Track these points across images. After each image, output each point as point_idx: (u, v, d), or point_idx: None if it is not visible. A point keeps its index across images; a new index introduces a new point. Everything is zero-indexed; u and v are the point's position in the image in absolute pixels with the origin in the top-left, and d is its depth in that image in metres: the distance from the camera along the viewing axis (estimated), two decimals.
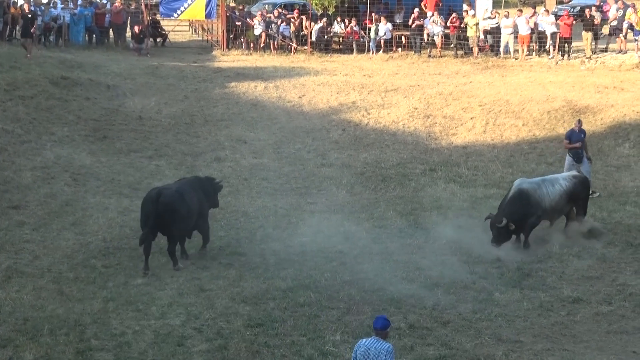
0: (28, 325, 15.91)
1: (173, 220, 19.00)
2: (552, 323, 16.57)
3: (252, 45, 40.37)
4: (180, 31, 45.20)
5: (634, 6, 40.07)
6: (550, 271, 19.36)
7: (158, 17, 42.26)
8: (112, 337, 15.58)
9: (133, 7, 42.33)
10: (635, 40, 38.31)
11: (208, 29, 44.03)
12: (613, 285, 18.64)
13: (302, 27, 40.99)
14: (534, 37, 39.46)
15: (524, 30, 38.81)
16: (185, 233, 19.88)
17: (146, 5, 42.88)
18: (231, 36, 40.78)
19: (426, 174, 27.87)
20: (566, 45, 38.87)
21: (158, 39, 41.56)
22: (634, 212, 23.80)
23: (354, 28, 40.89)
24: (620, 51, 38.90)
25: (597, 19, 39.40)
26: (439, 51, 40.08)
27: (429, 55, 39.87)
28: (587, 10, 39.56)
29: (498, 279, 18.79)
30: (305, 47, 40.32)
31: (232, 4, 43.35)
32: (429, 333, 16.01)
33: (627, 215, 23.45)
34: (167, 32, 42.59)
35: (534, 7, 42.55)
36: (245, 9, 44.42)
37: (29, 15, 35.15)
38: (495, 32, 39.94)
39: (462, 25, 40.14)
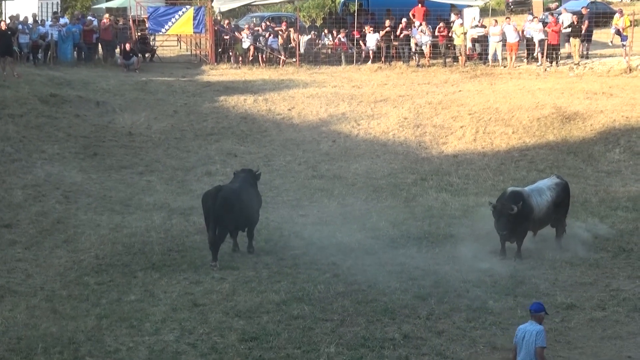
0: (22, 344, 15.86)
1: (231, 215, 20.26)
2: (547, 330, 16.45)
3: (240, 58, 40.36)
4: (168, 46, 45.25)
5: (621, 11, 40.24)
6: (544, 278, 19.38)
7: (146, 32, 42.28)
8: (107, 354, 15.53)
9: (121, 23, 42.35)
10: (623, 45, 38.43)
11: (196, 43, 44.04)
12: (606, 290, 18.67)
13: (290, 40, 41.01)
14: (520, 44, 39.56)
15: (512, 38, 38.88)
16: (242, 228, 21.33)
17: (134, 21, 42.91)
18: (219, 50, 40.78)
19: (417, 183, 27.90)
20: (554, 52, 38.97)
21: (146, 54, 41.52)
22: (626, 217, 23.87)
23: (342, 39, 40.93)
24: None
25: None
26: (428, 61, 40.14)
27: (418, 65, 39.92)
28: (574, 17, 39.68)
29: (491, 287, 18.78)
30: (294, 60, 40.34)
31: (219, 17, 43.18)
32: (424, 343, 16.01)
33: (618, 221, 23.51)
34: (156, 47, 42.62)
35: (508, 18, 42.51)
36: (233, 23, 44.44)
37: (9, 33, 34.87)
38: (483, 40, 40.06)
39: (450, 35, 40.24)
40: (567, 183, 22.54)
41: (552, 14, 41.95)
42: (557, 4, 55.43)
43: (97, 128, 30.63)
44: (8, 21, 36.77)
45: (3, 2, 44.87)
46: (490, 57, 39.50)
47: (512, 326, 16.70)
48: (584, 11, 41.18)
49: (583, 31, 39.30)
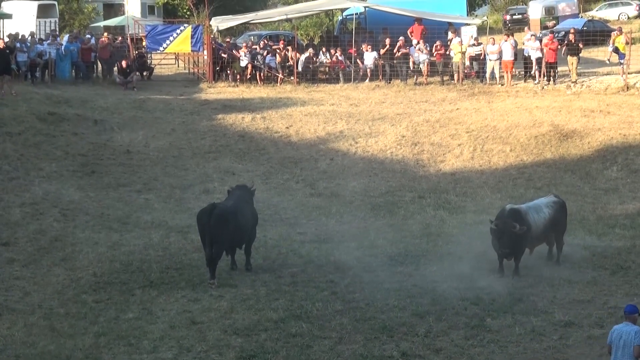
0: None
1: (227, 232, 20.13)
2: (545, 347, 16.55)
3: (238, 77, 40.42)
4: (166, 64, 45.32)
5: (620, 30, 40.35)
6: (542, 296, 19.36)
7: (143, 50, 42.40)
8: None
9: (119, 41, 42.44)
10: (621, 63, 38.52)
11: (194, 62, 44.11)
12: (604, 308, 18.64)
13: (287, 58, 41.08)
14: (518, 63, 39.60)
15: (508, 56, 38.90)
16: (238, 245, 21.25)
17: (132, 39, 43.01)
18: (217, 68, 40.83)
19: (415, 201, 27.89)
20: (552, 70, 39.02)
21: (144, 73, 41.57)
22: (623, 234, 23.87)
23: (340, 57, 40.99)
24: None
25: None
26: (425, 79, 40.20)
27: (415, 83, 39.98)
28: (570, 35, 39.76)
29: (489, 304, 18.75)
30: (292, 78, 40.38)
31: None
32: None
33: (616, 238, 23.51)
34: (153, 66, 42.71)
35: (507, 35, 42.32)
36: (231, 41, 44.53)
37: (7, 51, 34.82)
38: (480, 58, 40.09)
39: (447, 53, 40.33)
40: (564, 202, 22.55)
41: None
42: (554, 22, 55.52)
43: (95, 146, 30.65)
44: (6, 39, 36.84)
45: (1, 20, 44.96)
46: (487, 75, 39.55)
47: (510, 343, 16.73)
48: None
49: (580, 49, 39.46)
